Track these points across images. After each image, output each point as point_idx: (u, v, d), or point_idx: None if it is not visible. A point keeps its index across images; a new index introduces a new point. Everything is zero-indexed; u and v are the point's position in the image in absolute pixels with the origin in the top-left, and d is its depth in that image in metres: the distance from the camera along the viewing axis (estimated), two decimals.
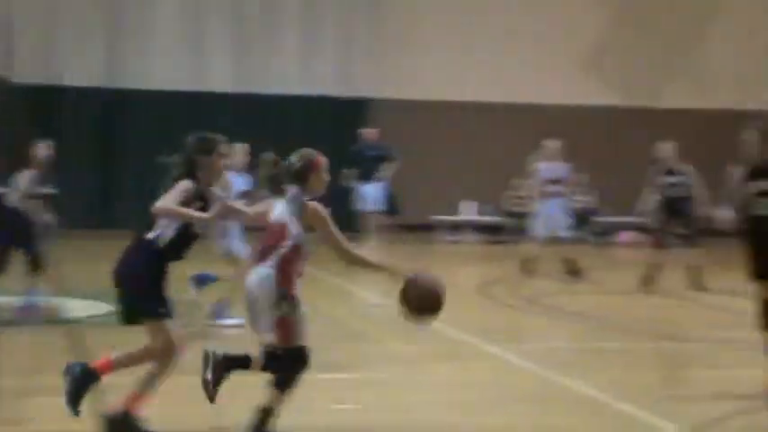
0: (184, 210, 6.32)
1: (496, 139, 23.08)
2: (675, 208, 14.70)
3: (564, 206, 15.95)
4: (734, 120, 23.22)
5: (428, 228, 22.05)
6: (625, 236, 22.33)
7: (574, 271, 15.59)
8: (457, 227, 22.69)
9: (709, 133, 23.19)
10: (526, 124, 23.03)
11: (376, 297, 13.05)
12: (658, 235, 14.93)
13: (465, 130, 23.10)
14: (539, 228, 15.80)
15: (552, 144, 15.95)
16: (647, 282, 14.58)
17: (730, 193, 8.38)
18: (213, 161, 6.52)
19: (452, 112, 23.20)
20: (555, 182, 15.78)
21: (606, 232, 22.48)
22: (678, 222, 14.69)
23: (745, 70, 24.16)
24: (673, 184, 14.80)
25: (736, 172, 8.34)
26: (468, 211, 22.92)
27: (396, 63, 23.15)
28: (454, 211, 22.95)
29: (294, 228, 6.35)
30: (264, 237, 6.48)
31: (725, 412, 7.63)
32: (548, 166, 15.81)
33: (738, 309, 13.01)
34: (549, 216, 15.69)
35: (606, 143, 23.13)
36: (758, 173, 8.16)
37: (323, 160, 6.56)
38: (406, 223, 21.08)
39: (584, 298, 14.10)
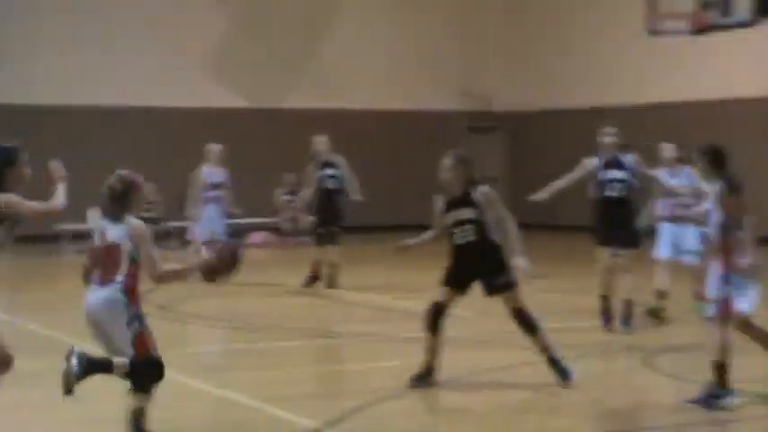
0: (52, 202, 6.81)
1: (119, 141, 22.44)
2: (330, 200, 14.91)
3: (222, 210, 15.84)
4: (360, 119, 24.38)
5: (54, 238, 21.15)
6: (257, 237, 22.40)
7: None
8: (84, 236, 21.85)
9: (338, 132, 23.83)
10: (148, 127, 22.66)
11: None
12: (314, 233, 15.08)
13: (84, 135, 22.30)
14: (198, 232, 15.65)
15: (216, 148, 15.81)
16: (323, 282, 14.71)
17: (434, 221, 8.52)
18: (21, 171, 6.59)
19: (68, 117, 22.35)
20: (216, 186, 15.64)
21: (237, 234, 22.34)
22: (332, 217, 14.88)
23: (365, 72, 24.90)
24: (330, 176, 15.00)
25: (438, 201, 8.49)
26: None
27: (3, 66, 22.04)
28: (81, 220, 22.13)
29: (128, 247, 6.54)
30: (95, 259, 6.58)
31: (362, 404, 7.75)
32: (211, 170, 15.66)
33: (376, 304, 13.36)
34: (209, 220, 15.55)
35: (233, 145, 23.15)
36: (454, 203, 8.38)
37: (142, 181, 6.83)
38: (27, 234, 20.04)
39: (221, 301, 13.92)
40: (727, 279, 7.45)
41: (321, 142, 15.25)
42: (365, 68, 24.91)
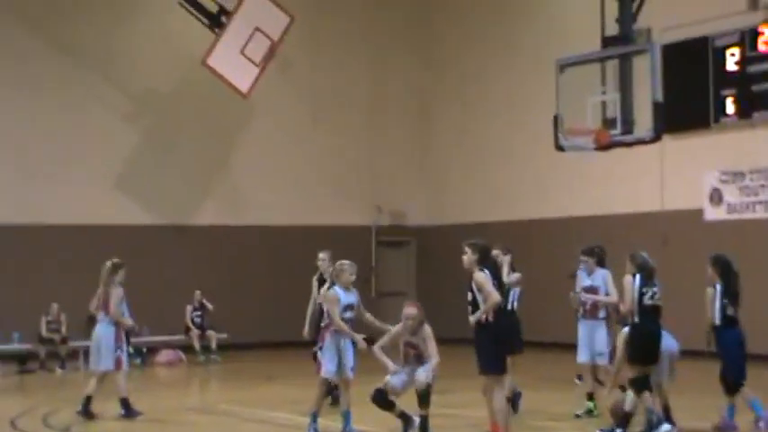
0: None
1: (23, 261, 22.07)
2: None
3: None
4: (269, 235, 24.24)
5: None
6: (166, 355, 21.79)
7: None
8: None
9: (248, 248, 23.88)
10: (54, 244, 22.22)
11: None
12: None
13: None
14: None
15: None
16: None
17: None
18: None
19: None
20: None
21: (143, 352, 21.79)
22: None
23: (274, 188, 24.87)
24: None
25: None
26: None
27: None
28: None
29: None
30: None
31: None
32: None
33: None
34: None
35: (144, 261, 22.97)
36: None
37: None
38: None
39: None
40: None
41: (323, 259, 14.38)
42: (275, 184, 24.90)
